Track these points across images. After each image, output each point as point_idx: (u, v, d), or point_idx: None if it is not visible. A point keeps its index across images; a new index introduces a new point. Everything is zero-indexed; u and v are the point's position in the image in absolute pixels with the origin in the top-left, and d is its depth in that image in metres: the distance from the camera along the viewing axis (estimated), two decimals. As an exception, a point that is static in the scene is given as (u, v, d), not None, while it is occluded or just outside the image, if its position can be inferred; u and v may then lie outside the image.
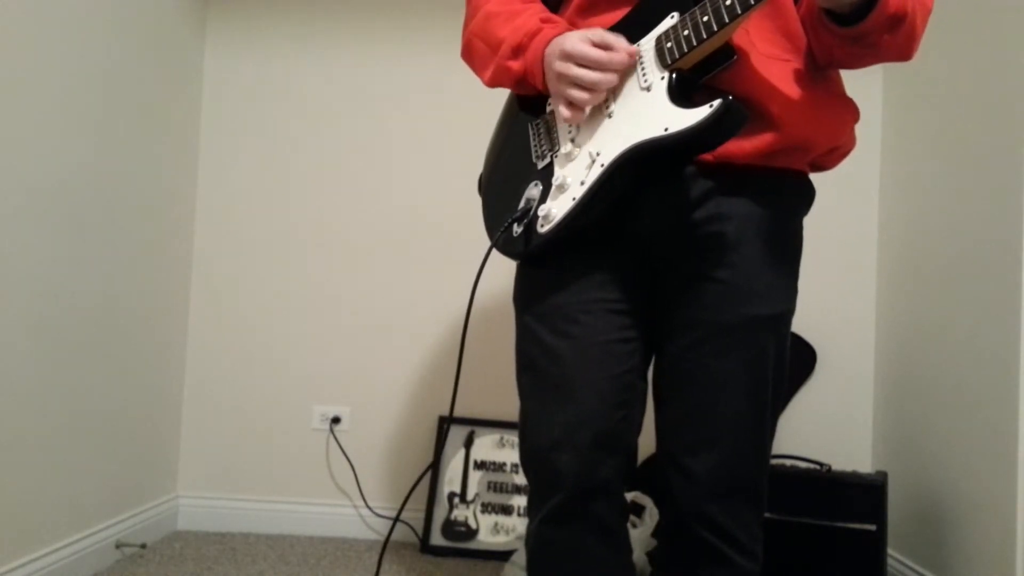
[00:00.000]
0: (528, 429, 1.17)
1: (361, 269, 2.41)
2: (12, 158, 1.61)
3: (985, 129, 1.80)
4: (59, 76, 1.75)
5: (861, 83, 2.36)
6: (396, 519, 1.39)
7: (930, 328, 2.02)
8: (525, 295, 1.22)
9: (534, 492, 1.16)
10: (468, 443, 2.34)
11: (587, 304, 1.12)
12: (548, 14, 1.18)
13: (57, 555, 1.79)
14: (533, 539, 1.16)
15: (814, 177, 1.19)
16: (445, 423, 2.35)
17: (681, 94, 1.00)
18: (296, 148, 2.43)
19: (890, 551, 2.00)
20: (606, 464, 1.10)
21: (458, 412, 2.35)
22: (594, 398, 1.10)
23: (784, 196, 1.13)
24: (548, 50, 1.08)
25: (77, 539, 1.87)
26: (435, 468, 2.32)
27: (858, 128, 1.17)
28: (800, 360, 2.35)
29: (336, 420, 2.38)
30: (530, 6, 1.19)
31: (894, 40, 1.03)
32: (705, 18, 0.97)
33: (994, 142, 1.76)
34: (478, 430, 2.34)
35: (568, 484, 1.10)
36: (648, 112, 1.02)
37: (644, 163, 1.04)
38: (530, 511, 1.17)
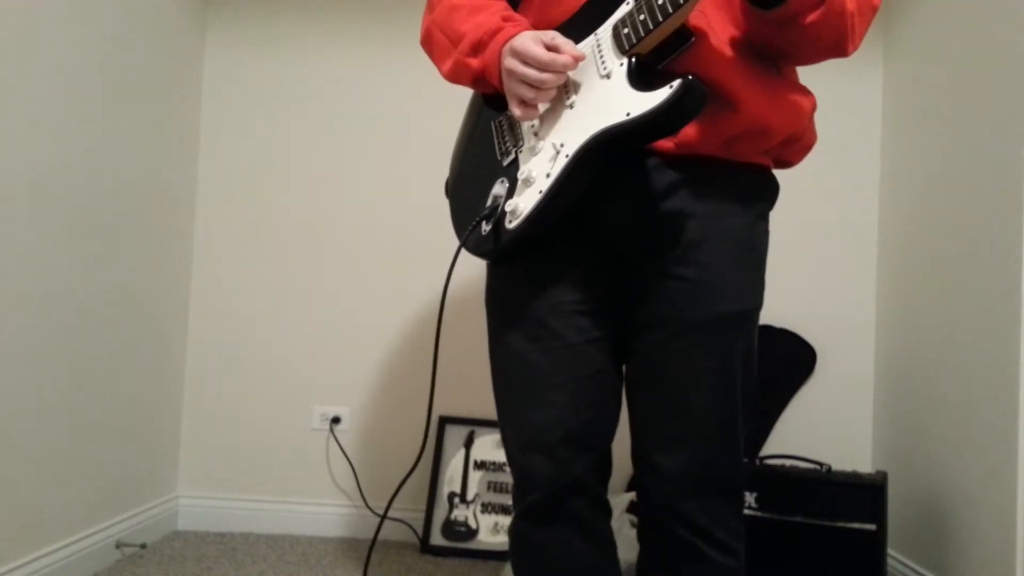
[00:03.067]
0: (504, 430, 1.21)
1: (361, 268, 2.41)
2: (12, 158, 1.61)
3: (985, 128, 1.80)
4: (59, 76, 1.75)
5: (861, 83, 2.38)
6: (383, 517, 1.37)
7: (930, 328, 2.02)
8: (494, 298, 1.24)
9: (515, 488, 1.19)
10: (468, 443, 2.34)
11: (555, 307, 1.13)
12: (511, 12, 1.18)
13: (57, 555, 1.79)
14: (513, 534, 1.20)
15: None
16: (444, 423, 2.35)
17: (641, 79, 1.00)
18: (296, 147, 2.43)
19: (890, 551, 2.00)
20: (579, 463, 1.12)
21: (458, 412, 2.35)
22: (563, 400, 1.12)
23: (748, 192, 1.13)
24: (504, 49, 1.09)
25: (77, 539, 1.87)
26: (435, 468, 2.32)
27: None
28: (800, 360, 2.35)
29: (336, 420, 2.38)
30: (493, 3, 1.19)
31: (825, 23, 1.01)
32: (660, 1, 0.97)
33: (994, 141, 1.76)
34: (478, 430, 2.33)
35: (543, 485, 1.13)
36: (609, 99, 1.02)
37: (609, 151, 1.04)
38: (513, 505, 1.20)
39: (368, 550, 1.33)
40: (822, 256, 2.36)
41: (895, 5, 2.30)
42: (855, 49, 1.09)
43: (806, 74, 1.18)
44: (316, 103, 2.44)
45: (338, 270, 2.42)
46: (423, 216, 2.41)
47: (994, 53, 1.78)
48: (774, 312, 2.35)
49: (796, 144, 1.16)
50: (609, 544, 1.18)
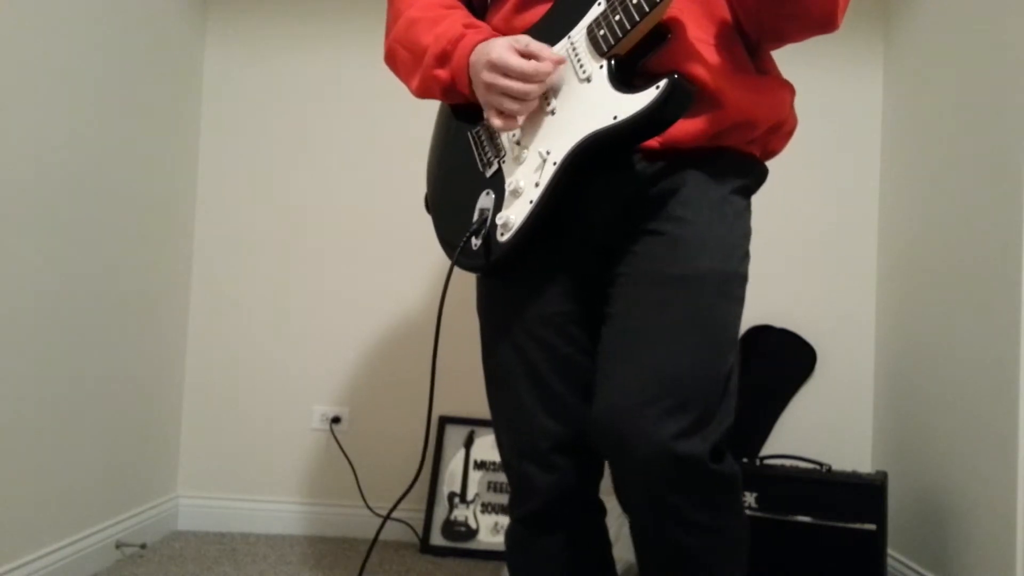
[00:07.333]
0: (499, 437, 1.22)
1: (362, 268, 2.41)
2: (12, 158, 1.61)
3: (985, 129, 1.80)
4: (60, 76, 1.75)
5: (861, 83, 2.38)
6: (386, 518, 1.36)
7: (930, 328, 2.02)
8: (484, 309, 1.23)
9: (512, 493, 1.20)
10: (468, 443, 2.34)
11: (544, 318, 1.13)
12: (471, 19, 1.16)
13: (57, 555, 1.79)
14: (510, 537, 1.22)
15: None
16: (444, 423, 2.35)
17: (622, 80, 0.99)
18: (296, 148, 2.43)
19: (890, 551, 2.00)
20: (575, 469, 1.13)
21: (458, 412, 2.35)
22: (553, 410, 1.13)
23: (725, 168, 1.10)
24: (473, 57, 1.07)
25: (77, 539, 1.87)
26: (435, 468, 2.32)
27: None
28: (800, 360, 2.35)
29: (336, 420, 2.38)
30: (453, 12, 1.17)
31: None
32: (635, 0, 0.95)
33: (994, 142, 1.75)
34: (478, 430, 2.33)
35: (542, 494, 1.14)
36: (593, 103, 1.00)
37: (596, 154, 1.02)
38: (509, 507, 1.21)
39: (367, 551, 1.33)
40: (822, 256, 2.36)
41: (895, 5, 2.30)
42: (841, 18, 1.07)
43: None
44: (317, 103, 2.43)
45: (338, 270, 2.41)
46: (425, 216, 2.40)
47: (995, 53, 1.78)
48: (774, 312, 2.35)
49: (779, 131, 1.15)
50: (603, 544, 1.20)
